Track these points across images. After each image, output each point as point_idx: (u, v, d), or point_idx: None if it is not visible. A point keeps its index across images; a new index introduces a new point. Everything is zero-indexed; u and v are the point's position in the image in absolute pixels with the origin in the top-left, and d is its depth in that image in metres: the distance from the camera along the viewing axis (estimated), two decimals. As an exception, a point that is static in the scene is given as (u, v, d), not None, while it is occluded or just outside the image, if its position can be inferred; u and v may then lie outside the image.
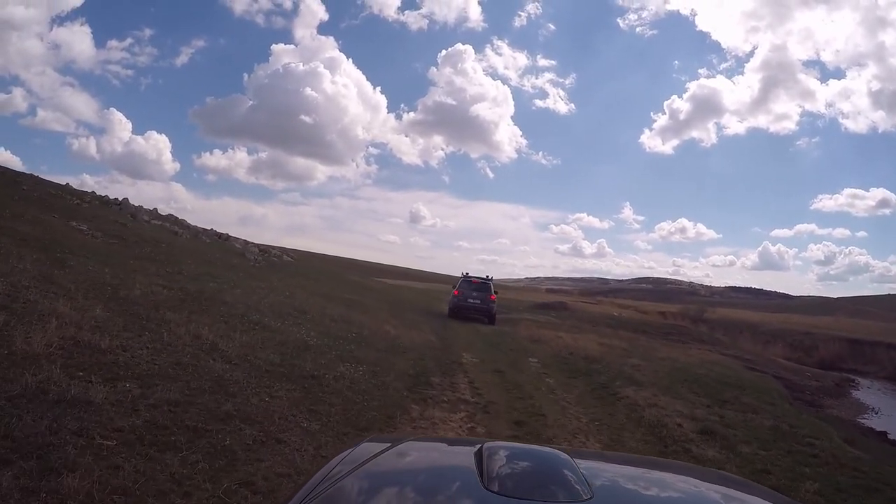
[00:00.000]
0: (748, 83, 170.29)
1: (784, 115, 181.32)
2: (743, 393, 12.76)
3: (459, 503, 1.35)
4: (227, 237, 27.32)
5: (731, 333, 39.06)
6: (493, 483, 1.31)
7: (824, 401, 19.13)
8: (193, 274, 12.91)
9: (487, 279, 23.07)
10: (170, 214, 26.75)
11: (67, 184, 23.53)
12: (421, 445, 1.96)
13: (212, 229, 28.44)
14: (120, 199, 21.68)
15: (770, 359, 26.55)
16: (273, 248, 36.64)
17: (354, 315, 13.30)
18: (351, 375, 7.47)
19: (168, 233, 19.89)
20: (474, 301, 21.90)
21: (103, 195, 22.32)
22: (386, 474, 1.53)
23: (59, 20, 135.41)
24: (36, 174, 22.28)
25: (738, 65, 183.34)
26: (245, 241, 28.14)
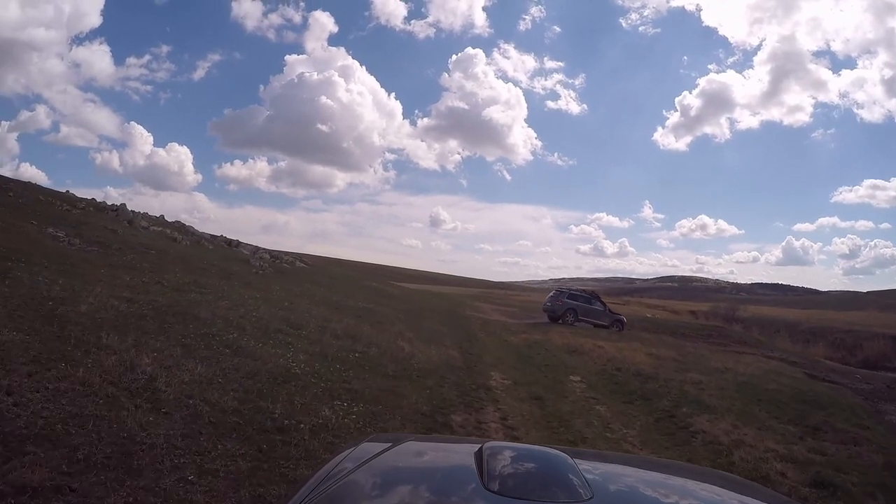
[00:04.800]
0: (758, 76, 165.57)
1: (797, 107, 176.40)
2: (828, 414, 10.57)
3: (460, 503, 1.34)
4: (237, 244, 25.69)
5: (767, 332, 37.46)
6: (493, 483, 1.31)
7: (881, 406, 17.11)
8: (175, 284, 11.05)
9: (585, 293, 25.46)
10: (176, 221, 25.28)
11: (68, 191, 22.27)
12: (421, 445, 1.94)
13: (222, 236, 26.92)
14: (117, 204, 20.14)
15: (814, 360, 24.53)
16: (289, 254, 35.03)
17: (363, 328, 11.25)
18: (338, 423, 5.37)
19: (166, 239, 18.23)
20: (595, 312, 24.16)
21: (101, 202, 20.87)
22: (386, 474, 1.51)
23: (79, 40, 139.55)
24: (35, 182, 21.21)
25: (746, 58, 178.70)
26: (256, 247, 26.48)
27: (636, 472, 1.83)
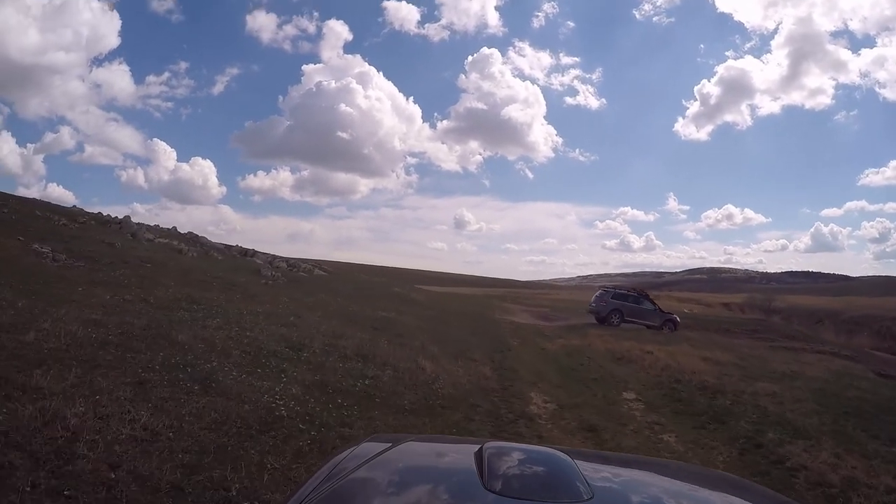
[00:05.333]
0: (777, 60, 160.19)
1: (818, 89, 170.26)
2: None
3: (459, 503, 1.34)
4: (252, 253, 24.44)
5: (807, 324, 36.35)
6: (493, 483, 1.31)
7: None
8: (163, 301, 9.66)
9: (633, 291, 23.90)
10: (188, 233, 24.18)
11: (74, 206, 21.31)
12: (421, 445, 1.96)
13: (237, 246, 25.74)
14: (120, 217, 19.03)
15: (866, 352, 22.97)
16: (309, 262, 33.78)
17: (379, 344, 9.67)
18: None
19: (171, 251, 17.00)
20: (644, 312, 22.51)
21: (105, 215, 19.77)
22: (386, 474, 1.49)
23: (98, 61, 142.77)
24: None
25: (763, 43, 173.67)
26: (273, 256, 25.20)
27: (636, 472, 1.80)
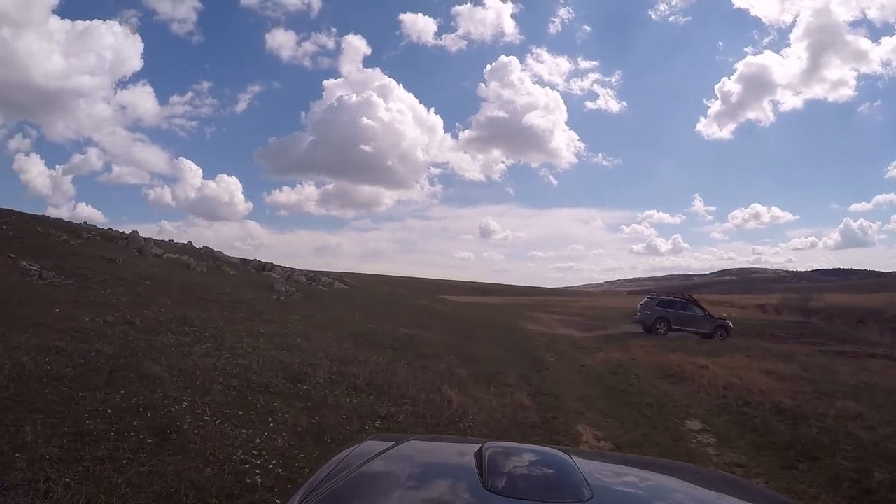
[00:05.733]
0: (796, 54, 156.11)
1: (840, 81, 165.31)
2: None
3: (459, 503, 1.33)
4: (270, 267, 23.40)
5: (849, 323, 34.43)
6: (493, 483, 1.31)
7: None
8: (152, 322, 8.46)
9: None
10: (205, 247, 23.27)
11: (85, 222, 20.54)
12: (422, 445, 1.95)
13: (255, 260, 24.80)
14: (127, 232, 18.15)
15: None
16: (332, 274, 32.70)
17: (398, 370, 8.29)
18: None
19: (178, 266, 15.95)
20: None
21: (113, 230, 18.90)
22: (386, 473, 1.50)
23: (123, 84, 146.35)
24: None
25: (782, 37, 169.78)
26: (292, 269, 24.11)
27: (636, 472, 1.78)
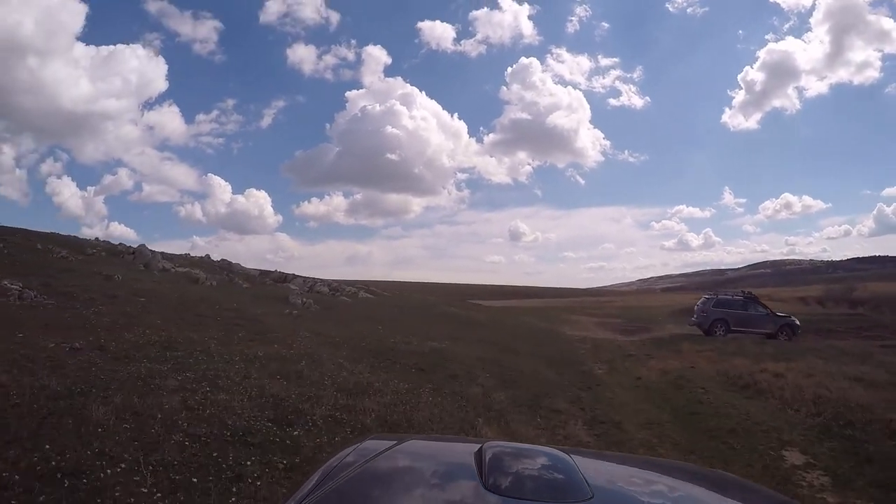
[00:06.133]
0: (818, 38, 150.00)
1: (864, 63, 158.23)
2: None
3: (459, 502, 1.33)
4: (292, 277, 22.16)
5: None
6: (493, 483, 1.30)
7: None
8: (129, 346, 7.12)
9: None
10: (223, 260, 22.27)
11: (96, 238, 19.64)
12: (422, 445, 1.91)
13: (276, 271, 23.57)
14: (133, 247, 17.04)
15: None
16: (358, 283, 31.35)
17: (420, 400, 6.72)
18: None
19: (185, 281, 14.74)
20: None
21: (120, 245, 17.85)
22: (386, 473, 1.49)
23: (149, 105, 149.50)
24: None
25: (802, 21, 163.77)
26: (315, 280, 22.82)
27: (636, 471, 1.77)
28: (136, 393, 5.22)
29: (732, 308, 18.87)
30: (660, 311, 43.85)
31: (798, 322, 19.06)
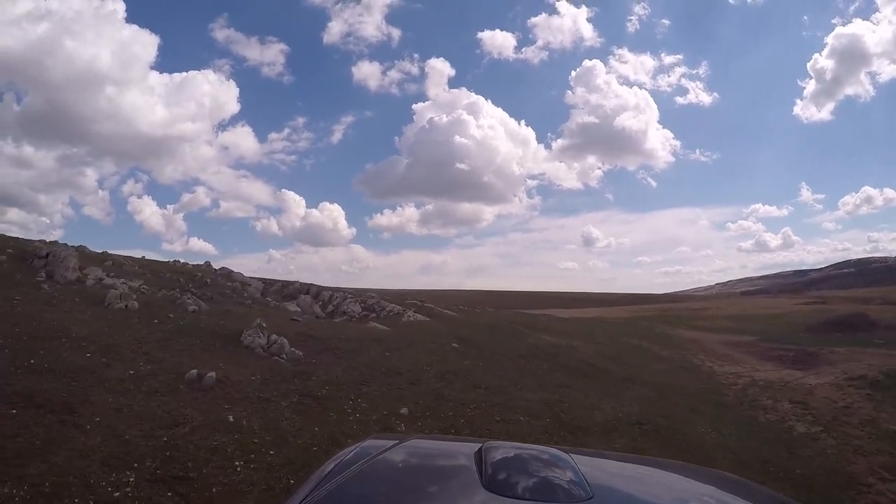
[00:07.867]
0: (887, 18, 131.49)
1: None
2: None
3: (459, 502, 1.31)
4: (307, 289, 16.00)
5: None
6: (493, 482, 1.28)
7: None
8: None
9: None
10: (223, 268, 16.48)
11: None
12: (422, 444, 1.92)
13: (280, 281, 17.55)
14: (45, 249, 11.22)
15: None
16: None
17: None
18: None
19: (83, 302, 8.72)
20: None
21: (42, 241, 12.13)
22: (387, 472, 1.46)
23: (223, 126, 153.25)
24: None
25: (868, 2, 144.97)
26: (335, 290, 16.51)
27: (636, 471, 1.77)
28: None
29: None
30: (778, 320, 34.94)
31: None
